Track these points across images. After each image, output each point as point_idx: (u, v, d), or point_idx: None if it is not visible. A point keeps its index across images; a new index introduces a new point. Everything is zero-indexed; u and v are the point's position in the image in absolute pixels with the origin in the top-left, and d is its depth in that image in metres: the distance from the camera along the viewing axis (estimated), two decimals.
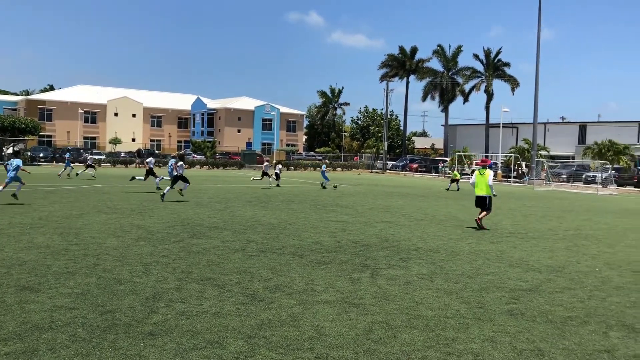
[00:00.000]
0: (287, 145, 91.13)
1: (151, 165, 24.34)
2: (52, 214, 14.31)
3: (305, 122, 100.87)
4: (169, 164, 23.47)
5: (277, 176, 30.72)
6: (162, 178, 23.62)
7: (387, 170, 65.60)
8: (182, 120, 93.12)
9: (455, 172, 35.79)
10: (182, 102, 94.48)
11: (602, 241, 12.98)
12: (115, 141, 75.36)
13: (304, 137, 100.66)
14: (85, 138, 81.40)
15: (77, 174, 32.37)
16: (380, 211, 18.19)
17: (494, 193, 14.54)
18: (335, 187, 31.06)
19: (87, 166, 33.23)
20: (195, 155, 65.84)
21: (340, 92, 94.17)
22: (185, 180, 19.83)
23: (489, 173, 14.62)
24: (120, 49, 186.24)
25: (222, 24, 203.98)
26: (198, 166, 59.60)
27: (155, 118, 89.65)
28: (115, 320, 5.76)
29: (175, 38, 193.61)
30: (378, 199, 23.63)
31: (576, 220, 17.66)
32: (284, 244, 10.93)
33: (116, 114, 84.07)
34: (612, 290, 7.96)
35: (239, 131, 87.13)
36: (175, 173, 19.69)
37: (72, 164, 34.85)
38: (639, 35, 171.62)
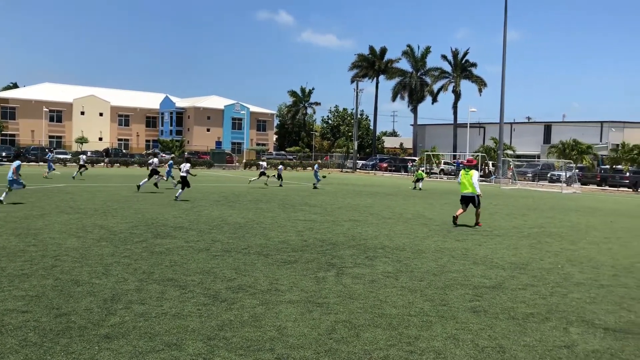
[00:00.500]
0: (258, 144, 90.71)
1: (154, 167, 24.45)
2: (11, 215, 13.90)
3: (276, 122, 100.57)
4: (168, 164, 25.29)
5: (279, 176, 31.24)
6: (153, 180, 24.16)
7: (357, 170, 65.80)
8: (151, 119, 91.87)
9: (420, 171, 35.66)
10: (151, 100, 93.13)
11: (565, 238, 13.18)
12: (82, 140, 73.88)
13: (275, 137, 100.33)
14: (50, 137, 79.65)
15: (51, 174, 32.29)
16: (349, 210, 18.18)
17: (478, 192, 14.98)
18: (324, 176, 32.20)
19: (81, 166, 33.12)
20: (164, 155, 64.97)
21: (310, 92, 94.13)
22: (186, 184, 20.15)
23: (474, 173, 15.17)
24: (88, 47, 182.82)
25: (191, 22, 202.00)
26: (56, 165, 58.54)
27: (122, 117, 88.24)
28: (70, 323, 5.58)
29: (143, 36, 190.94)
30: (347, 197, 23.63)
31: (540, 218, 17.94)
32: (249, 243, 10.80)
33: (83, 113, 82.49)
34: (573, 287, 8.07)
35: (208, 130, 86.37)
36: (183, 174, 20.14)
37: (53, 165, 34.74)
38: (603, 37, 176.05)
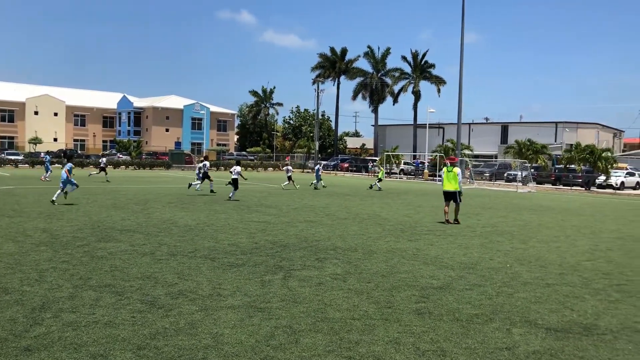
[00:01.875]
0: (218, 144, 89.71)
1: (206, 170, 24.57)
2: None
3: (237, 122, 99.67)
4: (198, 167, 25.67)
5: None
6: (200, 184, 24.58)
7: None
8: (108, 119, 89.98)
9: (381, 174, 34.64)
10: (108, 100, 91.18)
11: (516, 237, 13.31)
12: (36, 141, 71.68)
13: (236, 137, 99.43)
14: (1, 137, 77.22)
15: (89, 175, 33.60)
16: (305, 210, 18.00)
17: (460, 189, 15.64)
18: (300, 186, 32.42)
19: (101, 169, 32.31)
20: (120, 155, 63.61)
21: (272, 91, 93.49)
22: (235, 186, 21.46)
23: (457, 171, 15.69)
24: (41, 45, 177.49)
25: (150, 20, 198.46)
26: (123, 167, 57.55)
27: (78, 117, 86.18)
28: None
29: (99, 34, 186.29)
30: (305, 198, 23.46)
31: (494, 217, 18.12)
32: (197, 246, 10.51)
33: (36, 113, 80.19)
34: (520, 286, 8.07)
35: (167, 130, 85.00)
36: (234, 176, 21.48)
37: (51, 167, 33.59)
38: (559, 39, 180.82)
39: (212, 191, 24.03)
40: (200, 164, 25.27)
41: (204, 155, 34.04)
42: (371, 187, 32.57)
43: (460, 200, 15.71)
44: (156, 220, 14.27)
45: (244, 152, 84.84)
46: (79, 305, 6.33)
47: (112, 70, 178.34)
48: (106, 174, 32.55)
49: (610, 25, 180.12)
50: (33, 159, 55.41)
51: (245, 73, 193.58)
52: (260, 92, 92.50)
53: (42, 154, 35.84)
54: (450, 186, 15.62)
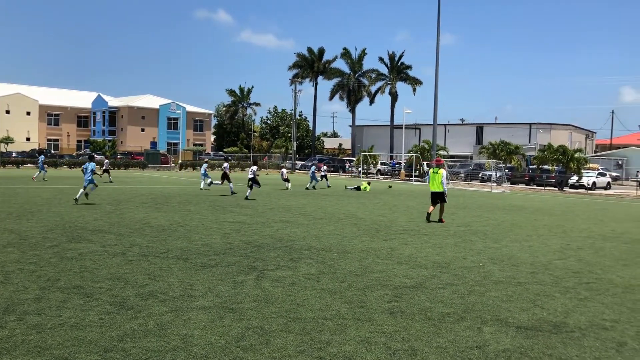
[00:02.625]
0: (195, 144, 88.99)
1: (227, 170, 25.95)
2: None
3: (214, 122, 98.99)
4: (203, 167, 28.02)
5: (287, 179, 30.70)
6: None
7: (297, 170, 65.64)
8: (82, 119, 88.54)
9: (366, 184, 32.97)
10: (82, 99, 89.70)
11: (489, 236, 13.42)
12: (7, 140, 70.23)
13: (212, 137, 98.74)
14: None
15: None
16: (281, 211, 17.94)
17: (445, 192, 16.07)
18: (389, 186, 34.03)
19: (104, 170, 31.71)
20: (95, 156, 62.72)
21: (250, 91, 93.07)
22: (257, 183, 22.94)
23: (442, 172, 16.08)
24: (12, 42, 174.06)
25: (125, 19, 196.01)
26: (97, 166, 56.70)
27: (52, 116, 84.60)
28: None
29: (74, 31, 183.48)
30: (281, 198, 23.38)
31: (468, 216, 18.27)
32: (170, 247, 10.38)
33: (8, 112, 78.50)
34: (492, 285, 8.13)
35: (142, 130, 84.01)
36: (251, 176, 22.79)
37: (45, 167, 32.87)
38: (534, 40, 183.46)
39: (201, 189, 24.81)
40: (204, 165, 28.07)
41: (224, 157, 34.65)
42: (358, 188, 31.87)
43: (445, 201, 16.15)
44: (128, 220, 14.07)
45: (221, 152, 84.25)
46: (45, 307, 6.19)
47: (87, 69, 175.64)
48: (109, 175, 32.70)
49: (584, 27, 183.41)
50: (4, 159, 54.41)
51: (222, 73, 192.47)
52: (237, 91, 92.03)
53: (40, 157, 35.01)
54: (436, 187, 16.02)
